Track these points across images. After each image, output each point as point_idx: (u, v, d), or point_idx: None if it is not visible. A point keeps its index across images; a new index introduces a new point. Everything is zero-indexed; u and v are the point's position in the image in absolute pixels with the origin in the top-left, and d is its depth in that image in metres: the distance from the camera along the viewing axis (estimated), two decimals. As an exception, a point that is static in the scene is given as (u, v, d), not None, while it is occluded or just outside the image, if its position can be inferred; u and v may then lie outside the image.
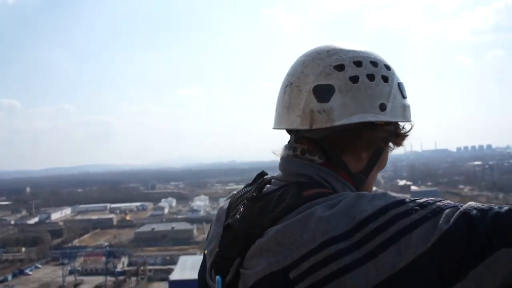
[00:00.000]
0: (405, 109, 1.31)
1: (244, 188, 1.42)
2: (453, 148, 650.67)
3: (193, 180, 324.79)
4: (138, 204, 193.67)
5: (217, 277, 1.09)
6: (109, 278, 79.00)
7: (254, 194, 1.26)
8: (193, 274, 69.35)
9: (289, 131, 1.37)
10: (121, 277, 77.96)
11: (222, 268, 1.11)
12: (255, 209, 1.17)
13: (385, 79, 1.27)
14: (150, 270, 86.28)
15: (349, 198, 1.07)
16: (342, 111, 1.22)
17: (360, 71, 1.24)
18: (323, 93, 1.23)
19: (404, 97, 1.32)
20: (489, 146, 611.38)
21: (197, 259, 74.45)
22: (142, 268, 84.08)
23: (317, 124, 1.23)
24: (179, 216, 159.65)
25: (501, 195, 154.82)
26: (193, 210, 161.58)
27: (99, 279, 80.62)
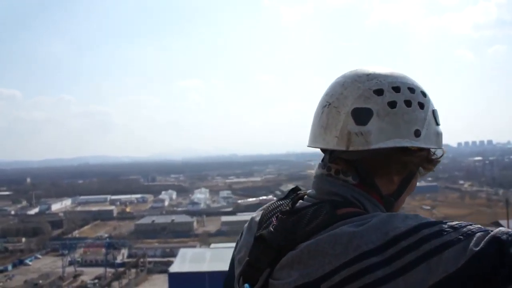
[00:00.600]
0: (438, 136, 1.37)
1: (277, 201, 1.43)
2: (453, 144, 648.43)
3: (193, 173, 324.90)
4: (138, 196, 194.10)
5: (246, 285, 1.13)
6: (108, 269, 79.24)
7: (288, 208, 1.30)
8: (193, 267, 69.49)
9: (323, 150, 1.41)
10: (121, 269, 78.16)
11: (251, 277, 1.14)
12: (288, 222, 1.20)
13: (421, 105, 1.34)
14: (149, 262, 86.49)
15: (382, 216, 1.13)
16: (379, 135, 1.28)
17: (398, 97, 1.30)
18: (361, 116, 1.29)
19: (437, 124, 1.39)
20: (489, 142, 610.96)
21: (197, 251, 74.84)
22: (141, 260, 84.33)
23: (354, 146, 1.28)
24: (179, 209, 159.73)
25: (501, 191, 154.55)
26: (193, 203, 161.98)
27: (99, 271, 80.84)
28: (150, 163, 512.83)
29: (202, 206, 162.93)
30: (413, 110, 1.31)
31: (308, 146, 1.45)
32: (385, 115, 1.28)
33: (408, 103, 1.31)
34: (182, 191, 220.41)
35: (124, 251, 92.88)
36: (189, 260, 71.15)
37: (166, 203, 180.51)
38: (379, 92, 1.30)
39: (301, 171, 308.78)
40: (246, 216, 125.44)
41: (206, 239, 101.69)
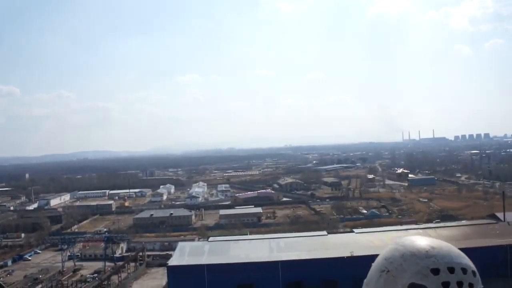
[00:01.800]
0: None
1: None
2: (450, 137, 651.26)
3: (191, 167, 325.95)
4: (137, 190, 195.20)
5: None
6: (108, 263, 79.80)
7: None
8: (191, 260, 69.84)
9: None
10: (120, 263, 78.61)
11: None
12: None
13: (471, 285, 1.53)
14: (148, 256, 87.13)
15: None
16: None
17: (451, 278, 1.50)
18: None
19: None
20: (486, 135, 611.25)
21: (195, 245, 75.40)
22: (140, 253, 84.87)
23: None
24: (178, 203, 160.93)
25: (497, 184, 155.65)
26: (191, 197, 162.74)
27: (98, 265, 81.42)
28: (148, 157, 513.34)
29: (200, 199, 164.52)
30: None
31: None
32: None
33: (460, 284, 1.50)
34: (180, 185, 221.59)
35: (123, 245, 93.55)
36: (188, 253, 71.70)
37: (165, 197, 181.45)
38: (435, 271, 1.51)
39: (299, 164, 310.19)
40: (244, 209, 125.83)
41: (204, 232, 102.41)
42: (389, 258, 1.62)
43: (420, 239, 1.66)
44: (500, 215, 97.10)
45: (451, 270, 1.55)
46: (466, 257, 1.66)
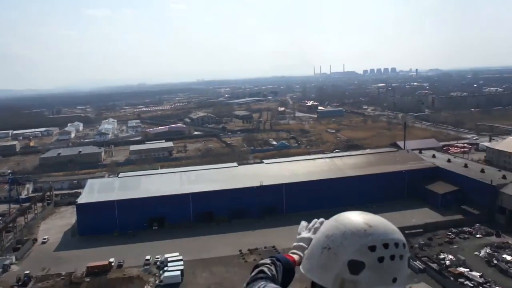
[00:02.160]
0: (409, 276, 1.89)
1: None
2: (360, 71, 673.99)
3: (101, 104, 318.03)
4: (43, 129, 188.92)
5: None
6: (13, 205, 77.50)
7: None
8: (101, 197, 69.13)
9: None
10: (26, 204, 76.70)
11: None
12: None
13: (401, 257, 1.83)
14: (56, 195, 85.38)
15: None
16: (366, 284, 1.74)
17: (385, 253, 1.75)
18: (355, 267, 1.73)
19: (408, 266, 1.95)
20: (393, 69, 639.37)
21: (105, 181, 74.78)
22: (48, 193, 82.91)
23: None
24: (87, 140, 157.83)
25: (400, 115, 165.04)
26: (101, 134, 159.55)
27: (3, 207, 78.75)
28: (54, 95, 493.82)
29: (110, 136, 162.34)
30: (395, 262, 1.79)
31: (305, 273, 1.94)
32: (374, 268, 1.71)
33: (392, 257, 1.77)
34: (89, 122, 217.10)
35: (29, 186, 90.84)
36: (98, 190, 70.82)
37: (73, 135, 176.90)
38: (372, 248, 1.73)
39: (211, 98, 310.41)
40: (155, 144, 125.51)
41: (114, 169, 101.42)
42: (330, 236, 1.79)
43: (358, 216, 1.82)
44: (401, 143, 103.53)
45: (386, 246, 1.77)
46: (399, 232, 1.86)
